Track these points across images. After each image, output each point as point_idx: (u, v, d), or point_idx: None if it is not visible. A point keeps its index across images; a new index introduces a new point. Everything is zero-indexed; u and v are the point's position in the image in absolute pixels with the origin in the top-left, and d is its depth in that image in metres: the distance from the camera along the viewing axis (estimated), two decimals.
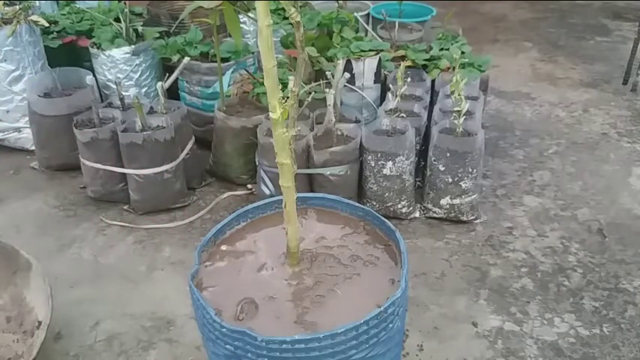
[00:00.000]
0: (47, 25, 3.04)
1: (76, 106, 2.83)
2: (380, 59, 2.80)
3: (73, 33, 3.36)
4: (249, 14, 2.89)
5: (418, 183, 2.79)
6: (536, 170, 3.06)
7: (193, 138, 2.85)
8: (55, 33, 3.31)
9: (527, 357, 1.98)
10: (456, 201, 2.56)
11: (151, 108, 2.80)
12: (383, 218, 1.64)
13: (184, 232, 2.62)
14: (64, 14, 3.50)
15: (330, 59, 2.87)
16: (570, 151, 3.24)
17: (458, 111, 2.44)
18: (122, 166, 2.64)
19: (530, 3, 5.72)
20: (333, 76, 2.56)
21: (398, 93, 2.58)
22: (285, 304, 1.43)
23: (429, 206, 2.64)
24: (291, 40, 3.01)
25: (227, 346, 1.32)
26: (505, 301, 2.22)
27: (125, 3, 3.27)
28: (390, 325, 1.35)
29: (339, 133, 2.60)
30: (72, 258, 2.48)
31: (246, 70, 2.98)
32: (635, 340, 2.03)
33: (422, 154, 2.76)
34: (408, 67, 2.85)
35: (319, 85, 2.70)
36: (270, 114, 1.30)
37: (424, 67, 3.00)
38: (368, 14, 3.94)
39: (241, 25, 3.21)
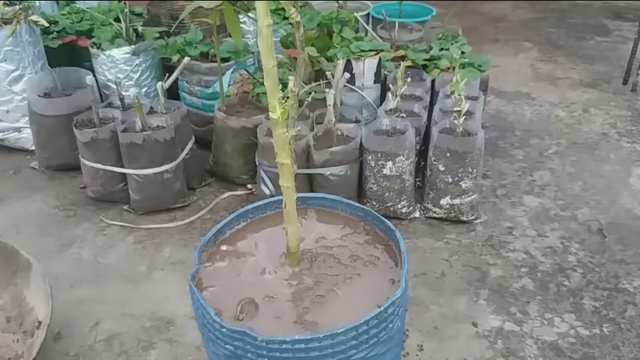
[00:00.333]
0: (47, 25, 3.04)
1: (76, 106, 2.83)
2: (380, 59, 2.80)
3: (73, 33, 3.36)
4: (249, 14, 2.89)
5: (418, 183, 2.79)
6: (536, 170, 3.06)
7: (193, 138, 2.85)
8: (55, 33, 3.31)
9: (527, 357, 1.98)
10: (456, 201, 2.56)
11: (151, 108, 2.80)
12: (383, 218, 1.63)
13: (184, 232, 2.62)
14: (64, 14, 3.50)
15: (330, 59, 2.87)
16: (570, 151, 3.24)
17: (458, 111, 2.44)
18: (122, 166, 2.63)
19: (530, 3, 5.72)
20: (333, 76, 2.56)
21: (398, 93, 2.58)
22: (285, 304, 1.43)
23: (429, 206, 2.64)
24: (291, 40, 3.01)
25: (227, 346, 1.32)
26: (505, 301, 2.22)
27: (125, 3, 3.27)
28: (390, 325, 1.35)
29: (339, 133, 2.60)
30: (72, 258, 2.48)
31: (246, 70, 2.98)
32: (635, 340, 2.03)
33: (422, 154, 2.76)
34: (408, 67, 2.85)
35: (319, 85, 2.70)
36: (270, 114, 1.30)
37: (424, 67, 3.00)
38: (368, 14, 3.94)
39: (241, 25, 3.21)
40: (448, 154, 2.47)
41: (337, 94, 2.58)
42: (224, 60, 2.95)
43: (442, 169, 2.51)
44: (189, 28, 3.15)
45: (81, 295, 2.27)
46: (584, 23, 5.22)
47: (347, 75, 2.66)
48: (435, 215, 2.65)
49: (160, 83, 2.68)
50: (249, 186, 2.88)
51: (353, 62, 2.75)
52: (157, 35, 3.18)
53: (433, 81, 2.95)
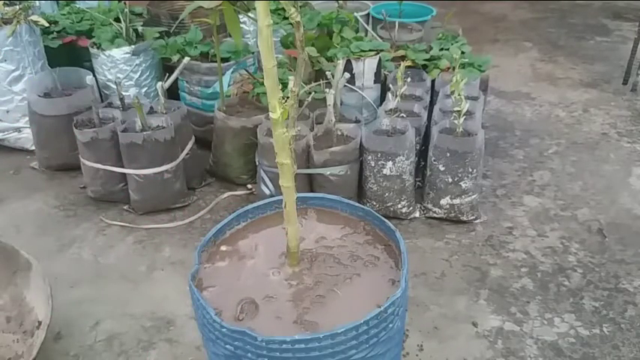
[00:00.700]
0: (47, 25, 3.04)
1: (76, 106, 2.84)
2: (380, 59, 2.80)
3: (73, 33, 3.36)
4: (249, 14, 2.89)
5: (418, 183, 2.79)
6: (536, 170, 3.06)
7: (193, 138, 2.85)
8: (55, 33, 3.31)
9: (527, 357, 1.98)
10: (456, 201, 2.56)
11: (151, 108, 2.80)
12: (383, 218, 1.63)
13: (184, 232, 2.62)
14: (64, 14, 3.50)
15: (330, 59, 2.87)
16: (570, 151, 3.24)
17: (458, 111, 2.44)
18: (122, 166, 2.63)
19: (530, 3, 5.72)
20: (333, 76, 2.56)
21: (398, 93, 2.58)
22: (285, 304, 1.43)
23: (429, 206, 2.64)
24: (291, 40, 3.01)
25: (227, 346, 1.32)
26: (505, 301, 2.22)
27: (125, 3, 3.27)
28: (390, 325, 1.35)
29: (339, 133, 2.60)
30: (72, 258, 2.48)
31: (246, 70, 2.98)
32: (635, 340, 2.03)
33: (422, 154, 2.76)
34: (408, 67, 2.85)
35: (319, 85, 2.70)
36: (270, 114, 1.30)
37: (424, 67, 3.00)
38: (368, 14, 3.94)
39: (241, 25, 3.21)
40: (448, 154, 2.47)
41: (337, 94, 2.58)
42: (224, 60, 2.95)
43: (442, 169, 2.51)
44: (189, 28, 3.15)
45: (81, 295, 2.27)
46: (584, 23, 5.22)
47: (347, 75, 2.66)
48: (435, 215, 2.65)
49: (159, 83, 2.68)
50: (249, 186, 2.88)
51: (353, 62, 2.75)
52: (157, 35, 3.18)
53: (433, 81, 2.95)
